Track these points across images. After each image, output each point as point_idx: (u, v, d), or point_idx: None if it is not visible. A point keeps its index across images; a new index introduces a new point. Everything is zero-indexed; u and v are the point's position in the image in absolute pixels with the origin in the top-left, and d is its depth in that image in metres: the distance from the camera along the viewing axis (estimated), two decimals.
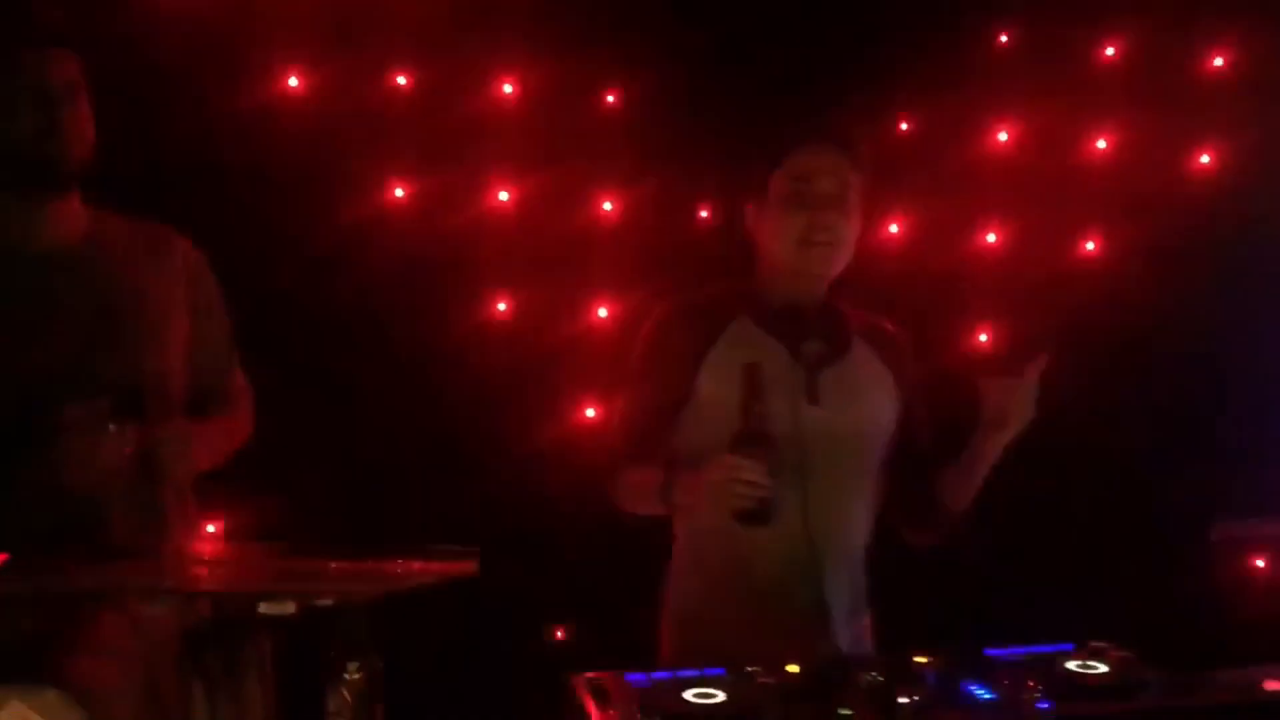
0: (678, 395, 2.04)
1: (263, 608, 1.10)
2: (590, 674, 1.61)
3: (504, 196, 3.00)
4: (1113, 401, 3.08)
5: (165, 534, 1.77)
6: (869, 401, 2.07)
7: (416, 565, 1.37)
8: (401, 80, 2.94)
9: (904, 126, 3.18)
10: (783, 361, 2.01)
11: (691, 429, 2.04)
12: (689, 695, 1.53)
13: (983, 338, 3.10)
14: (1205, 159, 3.28)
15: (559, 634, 2.92)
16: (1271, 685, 1.62)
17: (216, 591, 1.23)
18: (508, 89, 3.00)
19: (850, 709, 1.52)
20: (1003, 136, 3.22)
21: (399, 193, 2.95)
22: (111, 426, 1.65)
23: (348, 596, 1.30)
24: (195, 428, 1.85)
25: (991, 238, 3.21)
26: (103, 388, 1.70)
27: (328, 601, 1.18)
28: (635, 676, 1.62)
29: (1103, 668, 1.67)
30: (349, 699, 1.38)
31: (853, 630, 2.05)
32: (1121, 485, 3.11)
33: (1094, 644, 1.74)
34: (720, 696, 1.53)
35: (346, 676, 1.38)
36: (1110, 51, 3.25)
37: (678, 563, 2.12)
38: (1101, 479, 3.12)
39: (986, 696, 1.58)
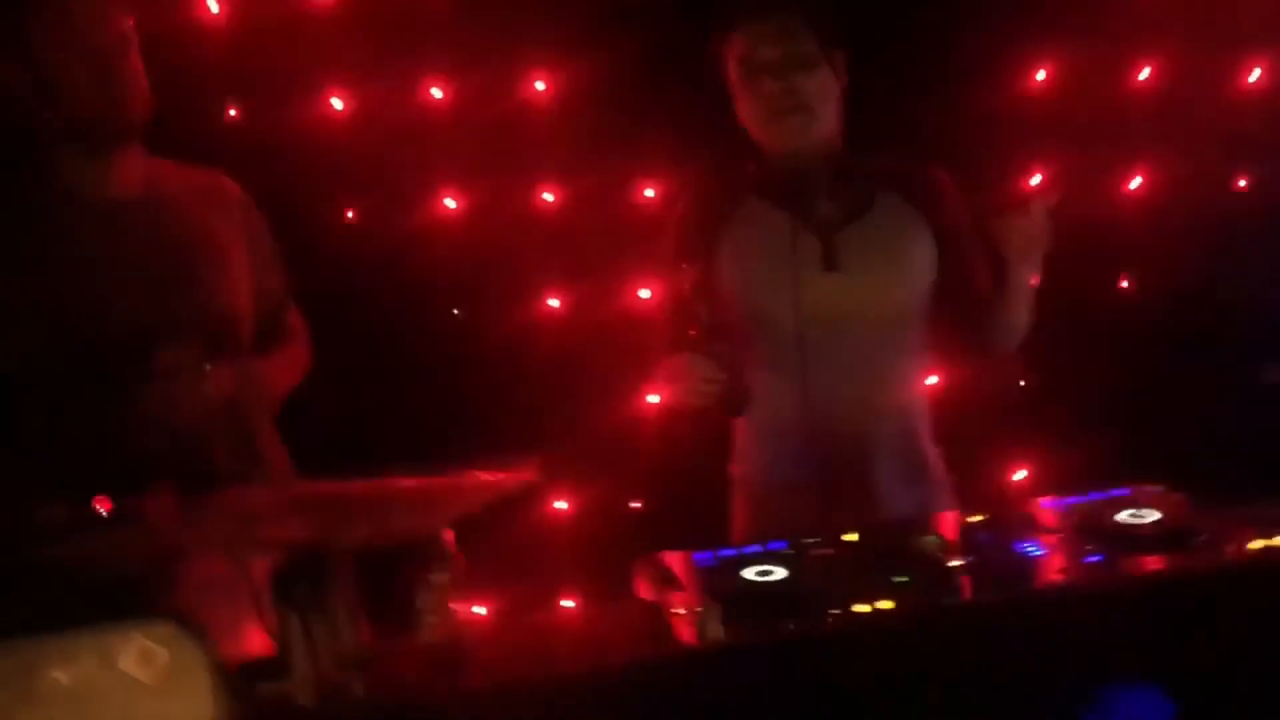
0: (701, 278, 2.01)
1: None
2: (657, 554, 1.69)
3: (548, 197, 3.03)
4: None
5: (260, 461, 1.88)
6: (900, 255, 2.05)
7: (483, 478, 1.46)
8: (437, 92, 2.95)
9: None
10: (787, 234, 2.01)
11: (719, 315, 2.02)
12: (749, 574, 1.60)
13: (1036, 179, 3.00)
14: None
15: (636, 505, 3.02)
16: None
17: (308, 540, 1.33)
18: (540, 86, 2.98)
19: (906, 576, 1.58)
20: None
21: (450, 203, 2.99)
22: (207, 366, 1.74)
23: (429, 525, 1.39)
24: (265, 364, 1.94)
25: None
26: (181, 329, 1.79)
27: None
28: (702, 555, 1.67)
29: (1154, 515, 1.69)
30: (437, 599, 1.50)
31: (919, 496, 2.07)
32: (1175, 329, 3.09)
33: (1147, 488, 1.78)
34: (780, 573, 1.59)
35: (432, 579, 1.50)
36: None
37: (736, 438, 2.17)
38: (1156, 322, 3.09)
39: (1039, 553, 1.64)
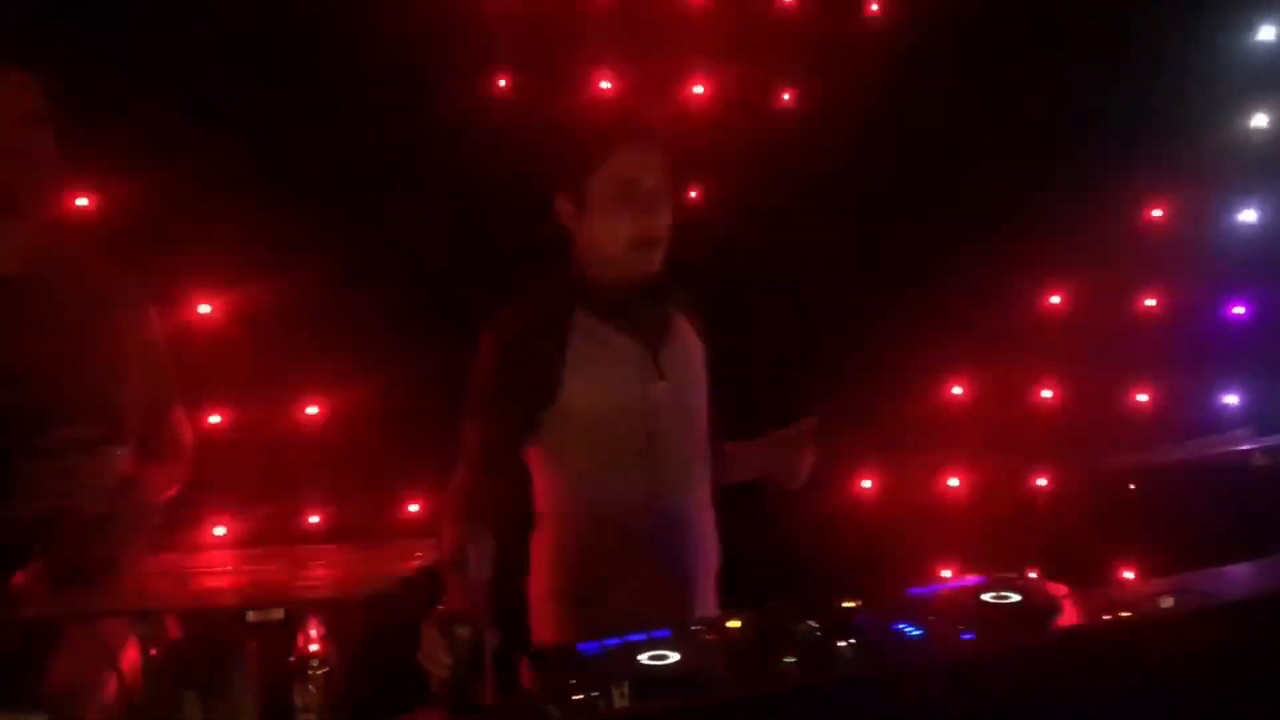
0: (539, 410, 2.06)
1: (251, 616, 1.14)
2: (541, 649, 1.67)
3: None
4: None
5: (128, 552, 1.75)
6: (698, 371, 2.20)
7: (374, 560, 1.41)
8: None
9: None
10: (630, 348, 2.10)
11: (569, 437, 2.09)
12: (644, 658, 1.59)
13: None
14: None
15: None
16: (1165, 597, 1.78)
17: (188, 609, 1.25)
18: None
19: (794, 658, 1.61)
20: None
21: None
22: (112, 448, 1.63)
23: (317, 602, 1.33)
24: (148, 470, 1.83)
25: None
26: (65, 416, 1.68)
27: (310, 606, 1.21)
28: (587, 646, 1.68)
29: (1015, 596, 1.80)
30: (316, 694, 1.42)
31: (711, 589, 2.18)
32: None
33: (1002, 575, 1.88)
34: (674, 657, 1.60)
35: (311, 673, 1.42)
36: None
37: (542, 544, 2.16)
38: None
39: (916, 634, 1.70)
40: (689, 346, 2.20)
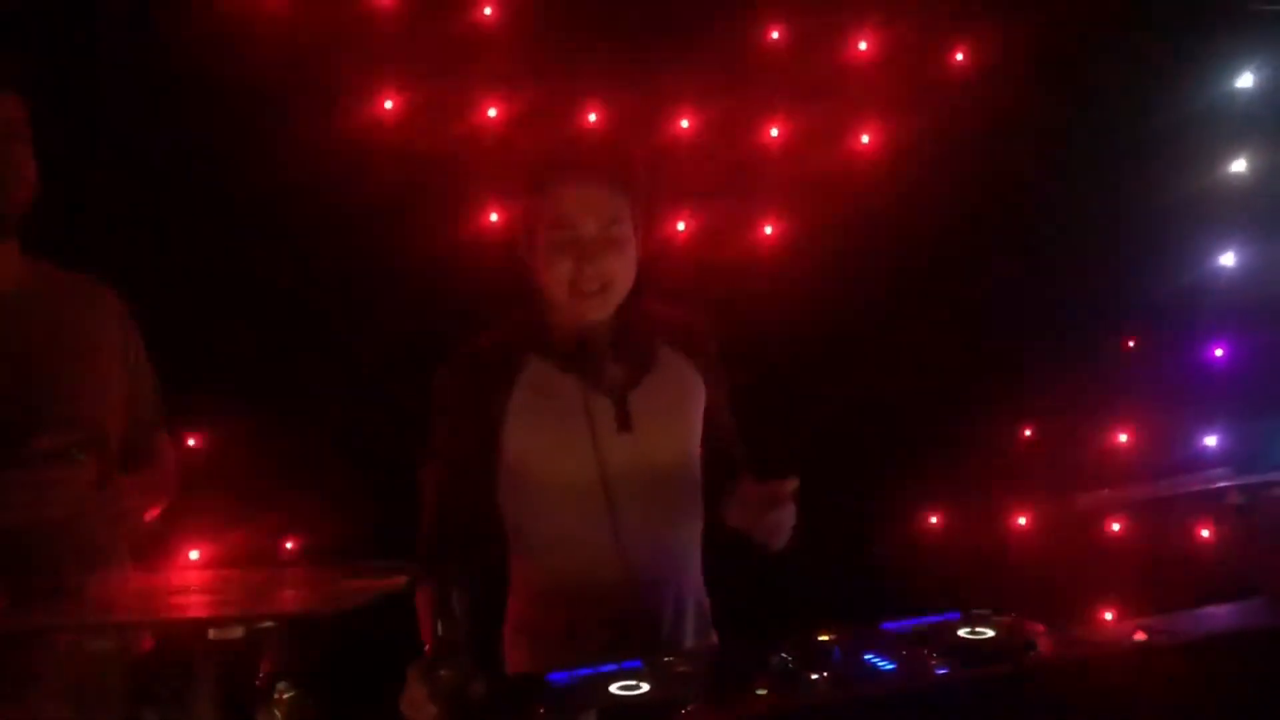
0: (490, 450, 1.95)
1: (212, 633, 1.12)
2: (512, 677, 1.66)
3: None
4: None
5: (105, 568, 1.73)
6: (686, 414, 2.03)
7: (345, 583, 1.40)
8: None
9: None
10: (581, 398, 1.94)
11: (512, 490, 1.98)
12: (614, 689, 1.58)
13: None
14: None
15: None
16: (1139, 635, 1.77)
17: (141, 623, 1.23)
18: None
19: (765, 689, 1.60)
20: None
21: (388, 105, 2.95)
22: (81, 457, 1.62)
23: (280, 619, 1.31)
24: (130, 481, 1.82)
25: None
26: (48, 430, 1.67)
27: (269, 624, 1.20)
28: (557, 676, 1.66)
29: (990, 632, 1.79)
30: (280, 718, 1.40)
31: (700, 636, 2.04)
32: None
33: (977, 611, 1.88)
34: (645, 687, 1.59)
35: (276, 696, 1.41)
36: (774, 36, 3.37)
37: (514, 581, 2.07)
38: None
39: (888, 667, 1.69)
40: (677, 385, 2.02)
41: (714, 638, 2.09)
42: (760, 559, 1.96)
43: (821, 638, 1.80)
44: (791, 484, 1.85)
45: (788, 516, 1.89)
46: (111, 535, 1.77)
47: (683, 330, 2.07)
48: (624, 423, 1.94)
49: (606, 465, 1.93)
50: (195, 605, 1.25)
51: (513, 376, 1.95)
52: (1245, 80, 3.55)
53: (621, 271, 1.92)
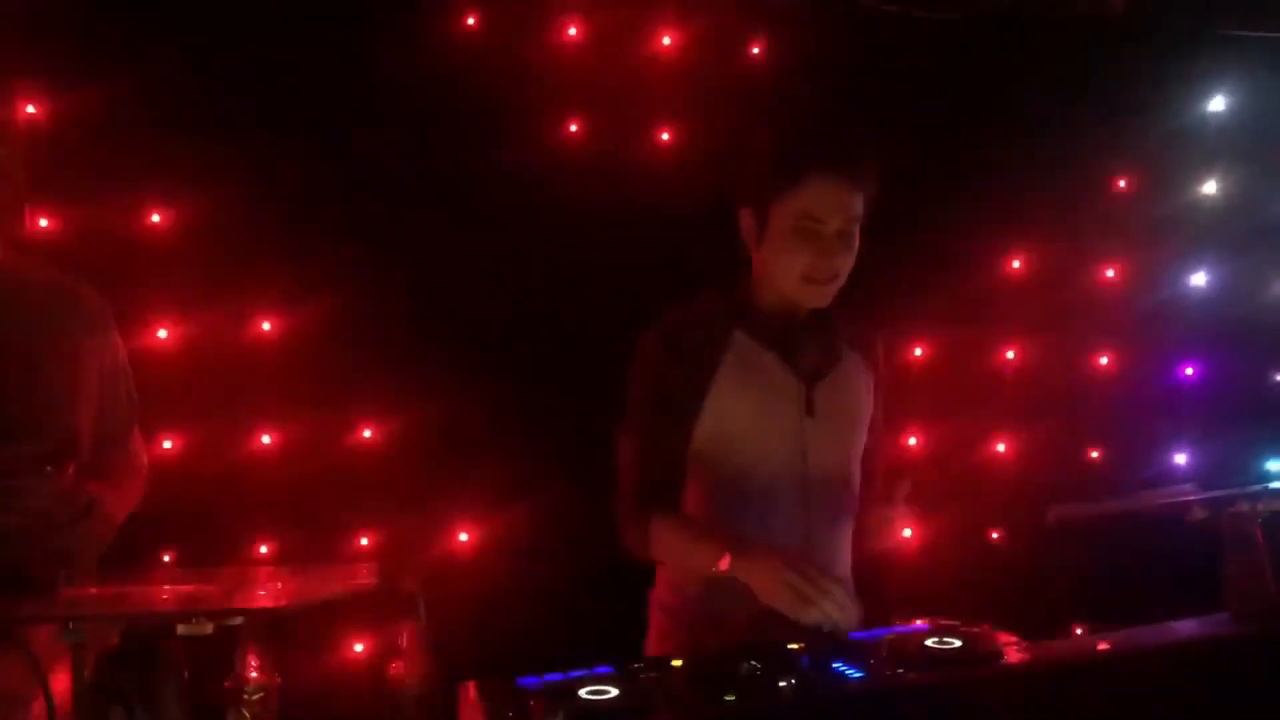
0: (691, 419, 1.99)
1: (181, 629, 1.12)
2: (479, 681, 1.65)
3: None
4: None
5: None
6: (862, 411, 2.10)
7: (317, 580, 1.40)
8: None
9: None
10: (784, 379, 2.01)
11: (708, 464, 2.01)
12: (583, 694, 1.59)
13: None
14: None
15: None
16: (1104, 646, 1.79)
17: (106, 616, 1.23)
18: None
19: (734, 695, 1.61)
20: None
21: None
22: (48, 469, 1.60)
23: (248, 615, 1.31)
24: (103, 490, 1.81)
25: None
26: (16, 438, 1.66)
27: (239, 620, 1.20)
28: (527, 680, 1.66)
29: (957, 642, 1.81)
30: (249, 719, 1.40)
31: None
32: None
33: (945, 622, 1.89)
34: (613, 692, 1.59)
35: (246, 697, 1.40)
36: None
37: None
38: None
39: (856, 675, 1.70)
40: (853, 385, 2.10)
41: None
42: None
43: (790, 646, 1.81)
44: (906, 485, 2.00)
45: (902, 522, 2.01)
46: (81, 543, 1.76)
47: (864, 338, 2.16)
48: (810, 409, 2.01)
49: (807, 451, 2.00)
50: (164, 601, 1.25)
51: (722, 347, 2.00)
52: (1217, 104, 3.61)
53: (848, 269, 2.00)
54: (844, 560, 2.09)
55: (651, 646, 2.09)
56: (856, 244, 2.00)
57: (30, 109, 2.62)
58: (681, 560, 1.99)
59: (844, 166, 1.95)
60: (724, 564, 1.85)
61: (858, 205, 1.97)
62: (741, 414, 2.00)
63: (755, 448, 2.01)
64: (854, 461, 2.10)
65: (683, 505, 2.05)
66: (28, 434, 1.69)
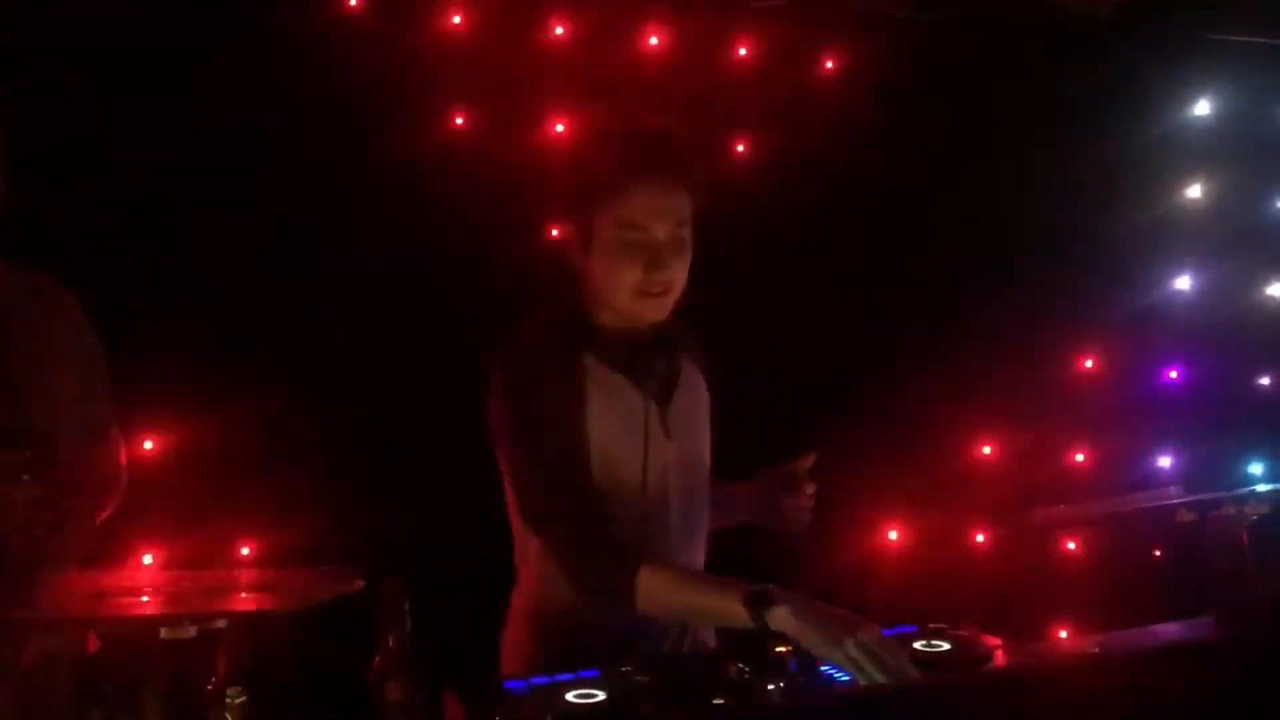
0: (585, 443, 1.86)
1: (164, 633, 1.11)
2: (466, 684, 1.65)
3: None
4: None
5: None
6: (703, 423, 2.04)
7: (300, 583, 1.39)
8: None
9: None
10: (637, 402, 1.92)
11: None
12: (571, 697, 1.58)
13: None
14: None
15: None
16: (1090, 649, 1.80)
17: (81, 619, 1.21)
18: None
19: (722, 699, 1.61)
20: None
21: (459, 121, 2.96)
22: (25, 476, 1.57)
23: (230, 618, 1.30)
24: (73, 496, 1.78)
25: None
26: None
27: (221, 624, 1.19)
28: (513, 684, 1.66)
29: (945, 645, 1.81)
30: None
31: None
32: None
33: (933, 625, 1.89)
34: (601, 695, 1.59)
35: (228, 700, 1.39)
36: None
37: (520, 604, 2.01)
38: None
39: (844, 678, 1.70)
40: (697, 399, 2.03)
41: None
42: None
43: (779, 649, 1.81)
44: (808, 461, 1.91)
45: (809, 495, 1.92)
46: (60, 552, 1.73)
47: (689, 343, 2.06)
48: (666, 429, 1.94)
49: (650, 473, 1.91)
50: (146, 604, 1.24)
51: (581, 373, 1.88)
52: (1202, 108, 3.62)
53: (683, 275, 1.90)
54: (701, 556, 2.04)
55: (508, 652, 2.02)
56: (689, 249, 1.89)
57: None
58: (691, 611, 1.86)
59: (665, 169, 1.86)
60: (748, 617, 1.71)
61: (685, 208, 1.87)
62: (601, 444, 1.88)
63: (607, 477, 1.88)
64: (701, 480, 2.03)
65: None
66: (4, 437, 1.67)
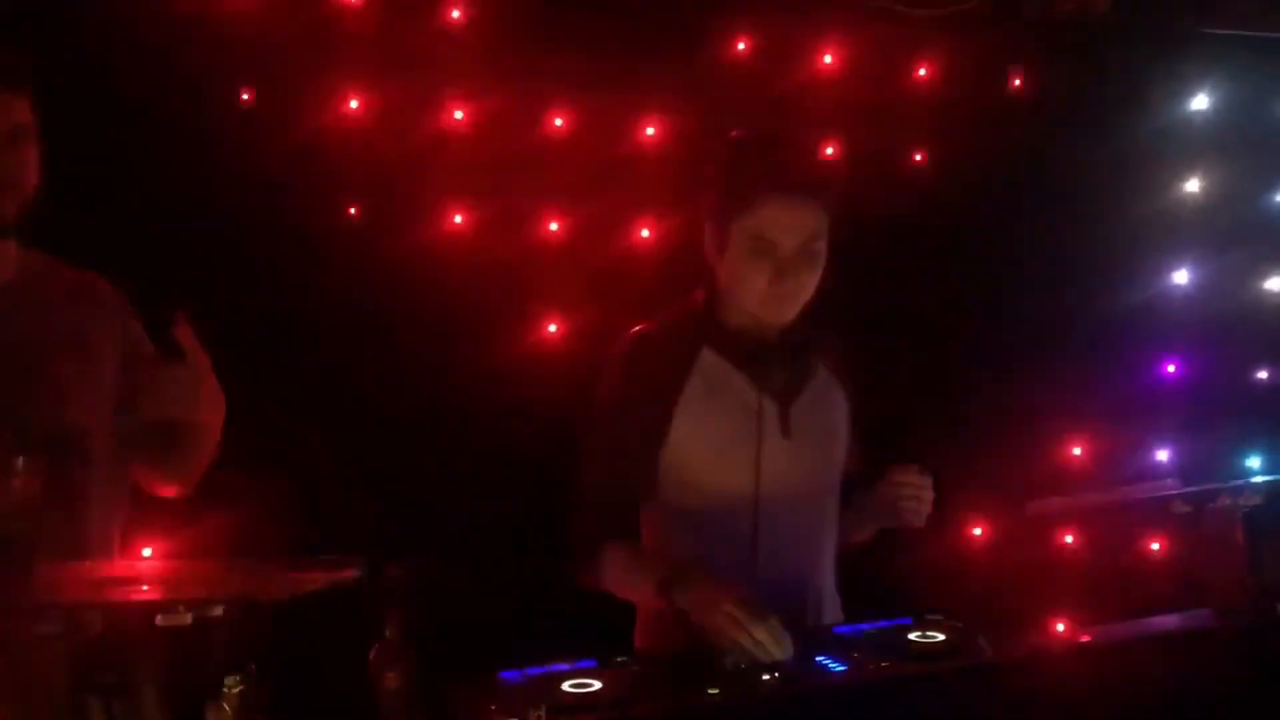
0: (655, 441, 1.95)
1: (160, 619, 1.11)
2: (463, 674, 1.66)
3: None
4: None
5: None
6: (837, 428, 2.06)
7: (297, 573, 1.39)
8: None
9: None
10: (753, 399, 1.97)
11: (671, 488, 1.98)
12: (567, 686, 1.59)
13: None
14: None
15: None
16: (1084, 640, 1.80)
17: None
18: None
19: (716, 688, 1.61)
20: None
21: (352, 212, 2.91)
22: (20, 461, 1.56)
23: (229, 605, 1.31)
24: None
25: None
26: (19, 433, 1.64)
27: (217, 611, 1.19)
28: (510, 674, 1.66)
29: (940, 636, 1.81)
30: (229, 713, 1.39)
31: None
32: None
33: (930, 616, 1.90)
34: (596, 685, 1.59)
35: (226, 690, 1.39)
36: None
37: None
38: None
39: (839, 668, 1.70)
40: (829, 402, 2.06)
41: None
42: None
43: None
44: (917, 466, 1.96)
45: (917, 485, 1.95)
46: (71, 543, 1.73)
47: (836, 352, 2.10)
48: (786, 429, 1.97)
49: (763, 472, 1.96)
50: (143, 591, 1.25)
51: (689, 364, 1.97)
52: (1200, 102, 3.62)
53: (812, 284, 1.96)
54: (812, 581, 2.05)
55: (639, 640, 2.07)
56: (821, 262, 1.95)
57: None
58: (628, 588, 1.96)
59: (797, 186, 1.91)
60: (661, 601, 1.82)
61: (815, 222, 1.92)
62: (705, 436, 1.96)
63: (716, 471, 1.97)
64: (827, 482, 2.06)
65: (637, 533, 2.02)
66: (23, 431, 1.66)
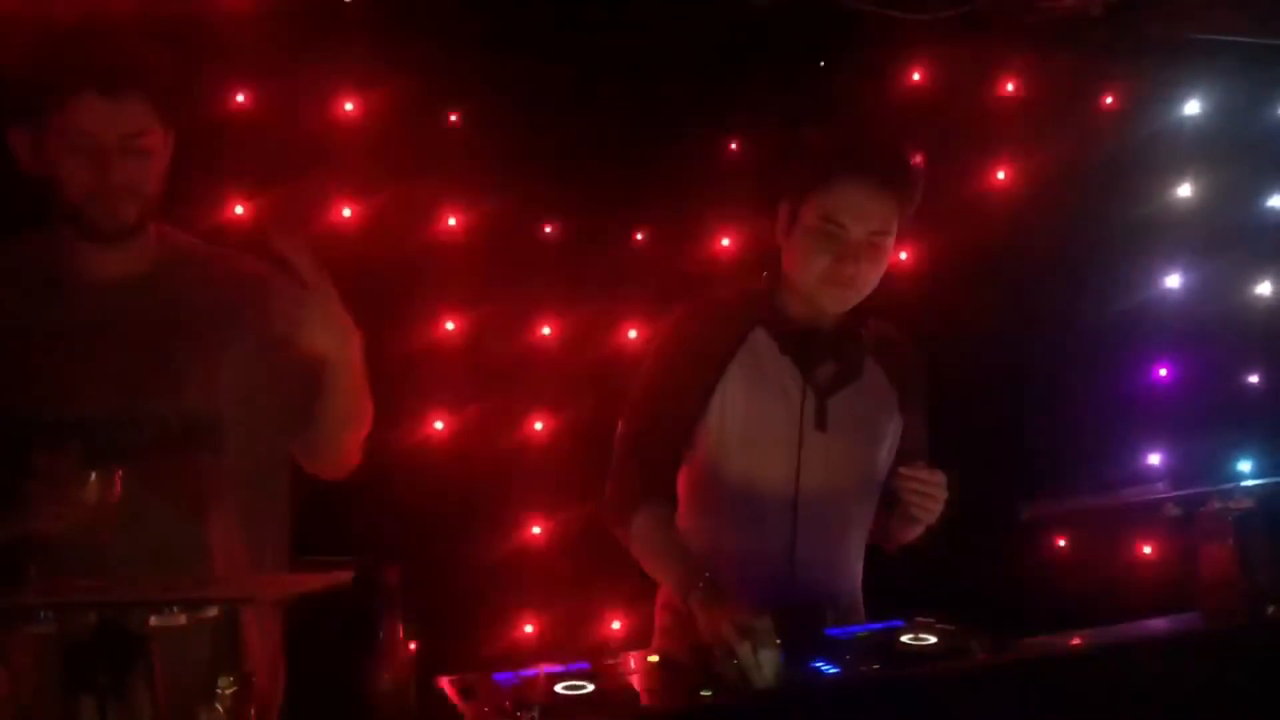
0: (698, 403, 1.97)
1: (154, 620, 1.11)
2: (455, 676, 1.65)
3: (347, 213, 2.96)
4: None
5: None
6: (879, 428, 2.05)
7: (293, 577, 1.39)
8: (242, 98, 2.86)
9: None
10: (793, 384, 1.98)
11: (703, 453, 2.00)
12: (560, 688, 1.59)
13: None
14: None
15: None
16: (1076, 643, 1.80)
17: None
18: (349, 107, 2.95)
19: (710, 690, 1.61)
20: None
21: (239, 210, 2.87)
22: (94, 475, 1.53)
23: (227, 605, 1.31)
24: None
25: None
26: (143, 426, 1.64)
27: (212, 612, 1.19)
28: (502, 675, 1.66)
29: (932, 639, 1.82)
30: (221, 714, 1.39)
31: None
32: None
33: (921, 619, 1.90)
34: (589, 687, 1.59)
35: (219, 691, 1.39)
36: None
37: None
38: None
39: (832, 671, 1.70)
40: (871, 401, 2.04)
41: None
42: None
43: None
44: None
45: (928, 482, 1.92)
46: (195, 543, 1.70)
47: (892, 348, 2.09)
48: (822, 422, 1.97)
49: (805, 461, 1.97)
50: (137, 591, 1.24)
51: (739, 340, 1.99)
52: (1192, 106, 3.63)
53: (873, 277, 1.96)
54: (842, 577, 2.06)
55: (657, 645, 2.07)
56: (885, 257, 1.96)
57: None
58: (651, 570, 1.99)
59: (874, 173, 1.91)
60: (684, 600, 1.85)
61: (887, 215, 1.93)
62: (741, 416, 1.97)
63: (752, 454, 1.98)
64: (864, 478, 2.05)
65: (674, 493, 2.05)
66: (147, 424, 1.66)
